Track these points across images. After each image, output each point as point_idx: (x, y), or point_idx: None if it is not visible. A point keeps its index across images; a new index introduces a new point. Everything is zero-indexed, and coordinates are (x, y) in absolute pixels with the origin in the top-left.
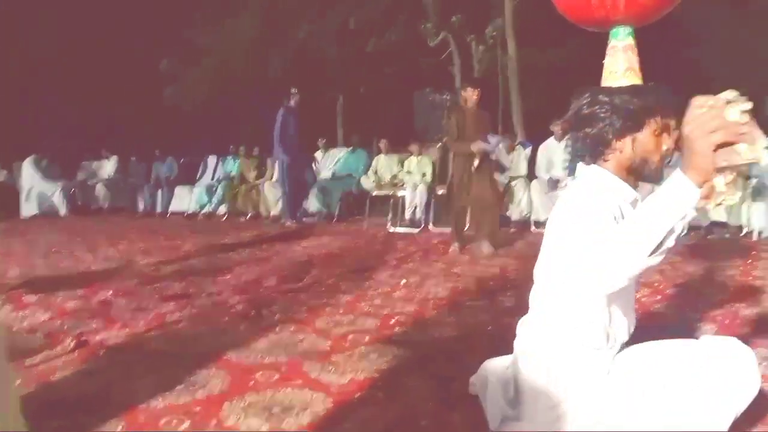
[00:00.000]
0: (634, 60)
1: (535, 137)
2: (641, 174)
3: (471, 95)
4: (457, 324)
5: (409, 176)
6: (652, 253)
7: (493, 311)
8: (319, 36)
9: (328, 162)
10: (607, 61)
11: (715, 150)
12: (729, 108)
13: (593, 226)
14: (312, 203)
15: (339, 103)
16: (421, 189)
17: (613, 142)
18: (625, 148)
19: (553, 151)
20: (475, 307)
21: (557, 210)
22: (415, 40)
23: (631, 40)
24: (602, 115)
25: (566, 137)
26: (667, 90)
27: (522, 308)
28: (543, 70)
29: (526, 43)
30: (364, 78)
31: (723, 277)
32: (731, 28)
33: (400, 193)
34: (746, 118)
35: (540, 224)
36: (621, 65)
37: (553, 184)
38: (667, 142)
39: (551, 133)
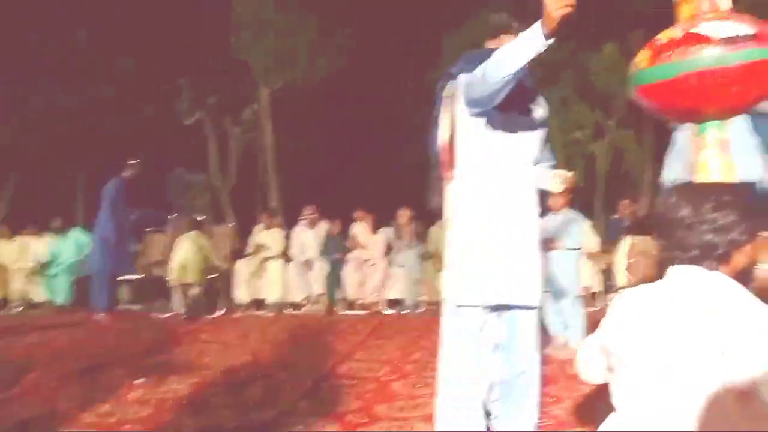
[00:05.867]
0: (730, 156)
1: (293, 217)
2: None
3: None
4: (194, 427)
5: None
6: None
7: (238, 406)
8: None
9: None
10: (700, 156)
11: None
12: None
13: None
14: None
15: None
16: None
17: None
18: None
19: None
20: (217, 405)
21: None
22: (168, 118)
23: (727, 135)
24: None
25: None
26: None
27: (272, 399)
28: (300, 154)
29: (283, 129)
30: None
31: None
32: None
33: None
34: None
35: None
36: (719, 162)
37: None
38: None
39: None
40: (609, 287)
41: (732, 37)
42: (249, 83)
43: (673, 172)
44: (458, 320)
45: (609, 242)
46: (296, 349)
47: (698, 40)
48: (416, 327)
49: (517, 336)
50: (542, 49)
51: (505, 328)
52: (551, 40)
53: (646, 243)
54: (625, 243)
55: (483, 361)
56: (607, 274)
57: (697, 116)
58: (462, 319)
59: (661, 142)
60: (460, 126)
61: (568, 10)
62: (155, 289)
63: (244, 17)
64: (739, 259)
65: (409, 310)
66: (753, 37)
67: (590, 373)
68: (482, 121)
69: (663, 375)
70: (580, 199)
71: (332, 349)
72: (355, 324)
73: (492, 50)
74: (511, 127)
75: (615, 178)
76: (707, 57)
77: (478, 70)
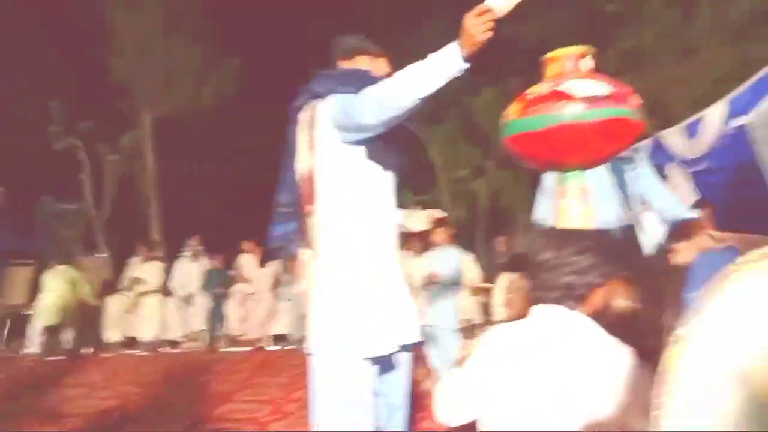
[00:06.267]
0: (589, 203)
1: (175, 249)
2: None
3: None
4: None
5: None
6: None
7: None
8: None
9: None
10: (561, 203)
11: None
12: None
13: None
14: None
15: None
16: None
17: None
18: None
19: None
20: None
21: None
22: (39, 143)
23: (586, 184)
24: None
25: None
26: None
27: None
28: (184, 184)
29: (165, 157)
30: None
31: None
32: None
33: None
34: None
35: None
36: (579, 210)
37: None
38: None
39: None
40: (489, 320)
41: (590, 96)
42: (129, 108)
43: (541, 213)
44: (338, 372)
45: (490, 276)
46: (172, 391)
47: (561, 96)
48: (301, 363)
49: (396, 374)
50: (458, 74)
51: (384, 368)
52: (467, 65)
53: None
54: (504, 278)
55: (368, 411)
56: (487, 307)
57: (559, 166)
58: (343, 372)
59: (536, 183)
60: (324, 154)
61: (490, 34)
62: (13, 325)
63: (126, 41)
64: (596, 299)
65: (294, 346)
66: (609, 97)
67: (450, 415)
68: (352, 149)
69: (523, 411)
70: (462, 234)
71: (211, 389)
72: (238, 362)
73: (363, 71)
74: (380, 159)
75: (495, 215)
76: (568, 113)
77: (371, 93)
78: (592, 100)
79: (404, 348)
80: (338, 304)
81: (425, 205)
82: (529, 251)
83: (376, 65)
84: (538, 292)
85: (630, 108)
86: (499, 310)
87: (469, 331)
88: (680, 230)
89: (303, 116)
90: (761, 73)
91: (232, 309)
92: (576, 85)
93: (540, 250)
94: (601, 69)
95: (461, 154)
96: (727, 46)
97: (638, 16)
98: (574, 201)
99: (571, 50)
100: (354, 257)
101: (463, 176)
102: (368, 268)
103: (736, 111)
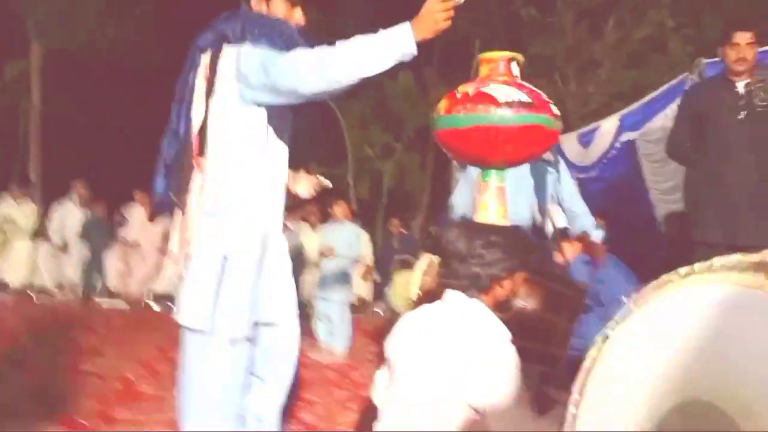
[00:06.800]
0: (505, 202)
1: (54, 192)
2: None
3: None
4: None
5: None
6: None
7: None
8: None
9: None
10: (481, 198)
11: None
12: None
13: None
14: None
15: None
16: None
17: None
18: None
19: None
20: None
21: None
22: None
23: (504, 184)
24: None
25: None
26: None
27: None
28: (72, 124)
29: (54, 94)
30: None
31: None
32: None
33: None
34: None
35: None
36: (495, 207)
37: None
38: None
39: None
40: (379, 295)
41: (512, 101)
42: (19, 35)
43: (458, 199)
44: (206, 351)
45: (383, 255)
46: (33, 341)
47: (486, 99)
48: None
49: (272, 353)
50: (407, 59)
51: (262, 347)
52: (415, 52)
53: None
54: (424, 259)
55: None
56: (378, 285)
57: (482, 163)
58: (210, 351)
59: (442, 169)
60: (221, 106)
61: (449, 23)
62: None
63: None
64: (499, 291)
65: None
66: (530, 104)
67: (378, 397)
68: (255, 110)
69: (412, 388)
70: (364, 211)
71: (80, 342)
72: (113, 317)
73: (281, 21)
74: (280, 122)
75: (398, 195)
76: (491, 115)
77: (307, 60)
78: (513, 106)
79: (282, 326)
80: (211, 275)
81: (328, 178)
82: (444, 240)
83: (293, 14)
84: (448, 279)
85: (548, 116)
86: (414, 291)
87: (361, 306)
88: (567, 235)
89: (204, 60)
90: (653, 95)
91: (112, 262)
92: (500, 90)
93: (453, 241)
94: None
95: (372, 133)
96: (624, 67)
97: (551, 26)
98: (492, 198)
99: (503, 54)
100: (238, 221)
101: (369, 155)
102: (251, 237)
103: (626, 127)
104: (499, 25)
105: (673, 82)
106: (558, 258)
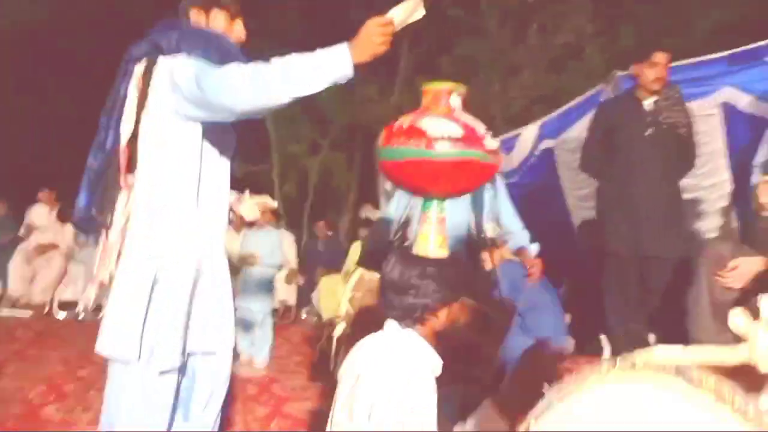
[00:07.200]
0: (444, 232)
1: None
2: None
3: None
4: None
5: None
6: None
7: None
8: None
9: None
10: (421, 229)
11: None
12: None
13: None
14: None
15: None
16: None
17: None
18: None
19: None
20: None
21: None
22: None
23: (444, 214)
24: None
25: None
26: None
27: None
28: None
29: None
30: None
31: None
32: None
33: None
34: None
35: None
36: (434, 238)
37: None
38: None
39: None
40: (305, 301)
41: (444, 136)
42: None
43: (395, 213)
44: (131, 384)
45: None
46: None
47: (417, 133)
48: (92, 336)
49: (201, 383)
50: (343, 80)
51: (190, 376)
52: (352, 74)
53: (373, 281)
54: (356, 274)
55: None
56: (302, 289)
57: (424, 192)
58: (135, 384)
59: (368, 169)
60: (154, 119)
61: (387, 47)
62: None
63: None
64: (434, 322)
65: (85, 316)
66: (461, 138)
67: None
68: (191, 125)
69: (338, 423)
70: (290, 209)
71: None
72: (13, 328)
73: (219, 35)
74: (218, 138)
75: (323, 193)
76: (422, 150)
77: (242, 75)
78: (445, 140)
79: (217, 355)
80: (139, 300)
81: (252, 175)
82: (382, 272)
83: (232, 28)
84: (385, 309)
85: (481, 151)
86: (343, 307)
87: (285, 312)
88: (494, 243)
89: (138, 70)
90: (571, 104)
91: (16, 266)
92: (434, 124)
93: (388, 272)
94: (438, 74)
95: (299, 129)
96: (545, 72)
97: (476, 27)
98: (432, 229)
99: (444, 86)
100: (169, 243)
101: (295, 152)
102: (184, 260)
103: (546, 134)
104: (427, 25)
105: (591, 92)
106: (486, 264)
